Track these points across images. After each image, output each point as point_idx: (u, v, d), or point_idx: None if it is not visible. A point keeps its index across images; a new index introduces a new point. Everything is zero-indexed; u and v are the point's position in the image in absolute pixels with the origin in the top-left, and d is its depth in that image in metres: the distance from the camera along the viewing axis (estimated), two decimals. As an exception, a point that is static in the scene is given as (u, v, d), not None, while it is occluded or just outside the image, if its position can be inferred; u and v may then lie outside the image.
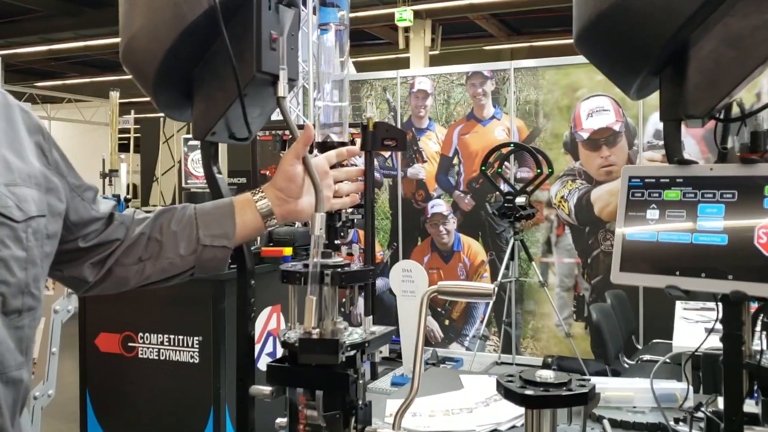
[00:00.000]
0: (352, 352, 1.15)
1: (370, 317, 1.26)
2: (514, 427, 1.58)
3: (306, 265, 1.18)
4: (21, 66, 15.73)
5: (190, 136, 4.89)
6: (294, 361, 1.15)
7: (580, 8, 1.01)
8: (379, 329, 1.26)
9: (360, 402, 1.20)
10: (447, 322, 6.32)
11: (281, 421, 1.21)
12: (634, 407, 1.66)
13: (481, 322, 5.96)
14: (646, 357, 4.15)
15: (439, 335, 6.33)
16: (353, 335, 1.20)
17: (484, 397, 1.75)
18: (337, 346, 1.10)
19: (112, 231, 1.17)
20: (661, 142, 4.82)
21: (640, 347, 4.89)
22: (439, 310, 6.31)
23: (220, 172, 1.21)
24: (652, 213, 1.15)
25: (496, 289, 1.19)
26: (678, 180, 1.15)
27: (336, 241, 1.26)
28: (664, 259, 1.14)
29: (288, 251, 4.04)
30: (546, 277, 5.79)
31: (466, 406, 1.68)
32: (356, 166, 1.33)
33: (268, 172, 5.39)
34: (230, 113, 1.15)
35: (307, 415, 1.16)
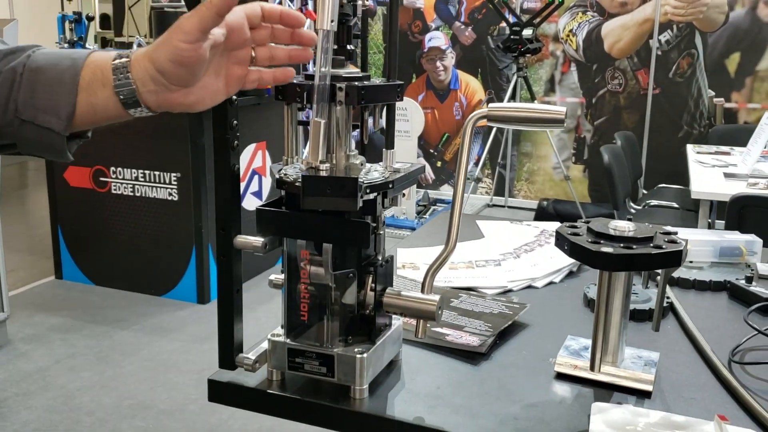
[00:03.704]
0: (372, 195, 0.86)
1: (393, 150, 0.95)
2: (551, 283, 1.33)
3: (309, 77, 0.86)
4: None
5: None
6: (294, 205, 0.85)
7: None
8: (404, 166, 0.96)
9: (380, 258, 0.92)
10: (439, 163, 6.06)
11: (277, 278, 0.93)
12: (691, 262, 1.41)
13: (475, 164, 5.71)
14: (654, 202, 3.93)
15: (431, 177, 6.09)
16: (372, 173, 0.90)
17: (512, 248, 1.48)
18: (356, 186, 0.80)
19: None
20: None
21: (645, 192, 4.68)
22: (432, 151, 6.03)
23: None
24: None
25: (567, 114, 0.87)
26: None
27: (349, 47, 0.93)
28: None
29: (273, 82, 3.68)
30: (547, 117, 5.47)
31: (492, 258, 1.42)
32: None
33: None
34: None
35: (311, 273, 0.88)
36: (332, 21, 0.81)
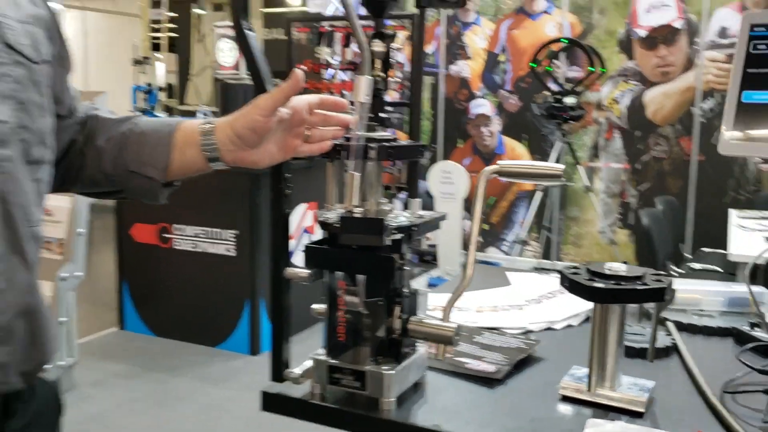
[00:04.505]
0: (398, 236, 1.03)
1: (418, 200, 1.12)
2: (569, 326, 1.46)
3: (348, 139, 1.05)
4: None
5: (220, 23, 4.70)
6: (334, 242, 1.03)
7: None
8: (428, 214, 1.13)
9: (405, 290, 1.08)
10: (486, 226, 6.20)
11: (319, 307, 1.10)
12: (701, 310, 1.52)
13: (521, 226, 5.83)
14: (697, 266, 3.98)
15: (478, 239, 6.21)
16: (399, 218, 1.07)
17: (536, 295, 1.63)
18: (382, 226, 0.97)
19: (68, 127, 1.02)
20: (726, 41, 4.45)
21: (689, 256, 4.72)
22: (479, 213, 6.17)
23: (251, 29, 1.05)
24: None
25: (562, 171, 1.03)
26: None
27: (381, 114, 1.12)
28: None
29: (326, 147, 3.90)
30: (592, 182, 5.59)
31: (516, 303, 1.57)
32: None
33: (304, 67, 5.18)
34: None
35: (347, 302, 1.05)
36: (366, 95, 1.00)
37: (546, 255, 5.95)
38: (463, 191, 5.11)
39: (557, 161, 5.17)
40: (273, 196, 1.06)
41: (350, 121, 1.05)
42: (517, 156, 5.94)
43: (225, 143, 0.99)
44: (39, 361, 0.92)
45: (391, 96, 5.32)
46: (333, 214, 1.07)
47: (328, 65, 5.19)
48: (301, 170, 3.98)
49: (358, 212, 1.01)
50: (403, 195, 1.10)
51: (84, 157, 1.01)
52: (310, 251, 1.05)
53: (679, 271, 4.14)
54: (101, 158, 0.99)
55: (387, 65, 1.11)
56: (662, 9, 5.23)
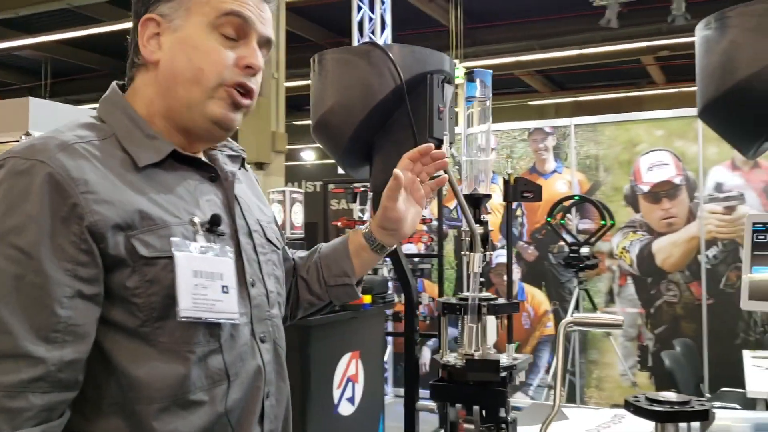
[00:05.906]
0: (504, 374, 1.36)
1: (513, 345, 1.46)
2: (625, 451, 1.75)
3: (462, 299, 1.40)
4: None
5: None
6: (453, 380, 1.36)
7: (705, 85, 1.22)
8: (521, 356, 1.46)
9: (509, 417, 1.40)
10: (509, 371, 6.41)
11: (438, 434, 1.41)
12: (734, 435, 1.81)
13: (546, 371, 6.06)
14: (717, 404, 4.21)
15: (502, 384, 6.41)
16: (501, 360, 1.41)
17: (593, 425, 1.92)
18: (499, 366, 1.31)
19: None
20: (722, 195, 4.92)
21: (708, 395, 4.94)
22: (502, 359, 6.41)
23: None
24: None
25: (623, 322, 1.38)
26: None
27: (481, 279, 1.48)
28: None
29: (367, 299, 4.22)
30: (609, 326, 5.88)
31: (577, 434, 1.86)
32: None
33: (339, 223, 5.66)
34: (402, 171, 1.39)
35: (465, 429, 1.36)
36: (479, 267, 1.37)
37: (570, 398, 6.14)
38: (492, 338, 5.40)
39: (576, 307, 5.50)
40: (406, 344, 1.40)
41: (444, 154, 1.33)
42: (537, 302, 6.28)
43: (380, 234, 1.31)
44: None
45: (418, 248, 5.76)
46: (451, 358, 1.41)
47: (362, 221, 5.68)
48: (347, 320, 4.29)
49: (477, 355, 1.35)
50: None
51: (297, 291, 1.39)
52: (437, 388, 1.37)
53: (703, 410, 4.34)
54: (309, 286, 1.37)
55: (486, 242, 1.49)
56: (662, 167, 5.76)
